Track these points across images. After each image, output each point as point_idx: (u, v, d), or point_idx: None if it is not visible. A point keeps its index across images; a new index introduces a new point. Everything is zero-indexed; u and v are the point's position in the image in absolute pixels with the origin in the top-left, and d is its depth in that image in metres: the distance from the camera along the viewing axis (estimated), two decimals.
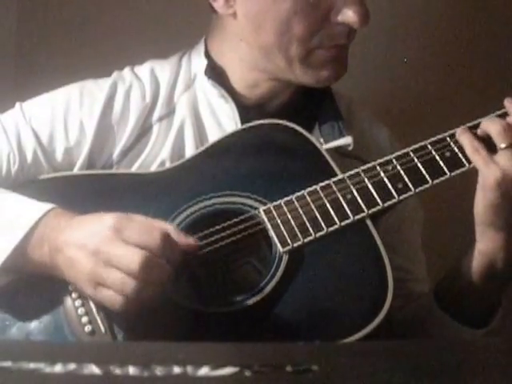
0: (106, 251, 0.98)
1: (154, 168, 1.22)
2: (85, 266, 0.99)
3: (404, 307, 1.22)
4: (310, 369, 0.65)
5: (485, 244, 1.09)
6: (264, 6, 1.16)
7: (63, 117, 1.22)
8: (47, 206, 1.07)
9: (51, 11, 1.79)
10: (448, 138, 1.12)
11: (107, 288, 0.98)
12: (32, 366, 0.65)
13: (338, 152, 1.23)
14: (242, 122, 1.23)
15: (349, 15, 1.15)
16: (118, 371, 0.65)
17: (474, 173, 1.08)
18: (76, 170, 1.22)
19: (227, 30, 1.24)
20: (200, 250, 1.08)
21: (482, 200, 1.06)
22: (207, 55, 1.28)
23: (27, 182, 1.19)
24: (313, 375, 0.64)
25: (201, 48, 1.30)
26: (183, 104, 1.26)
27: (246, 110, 1.25)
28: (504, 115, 1.11)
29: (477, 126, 1.11)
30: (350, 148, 1.23)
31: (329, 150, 1.20)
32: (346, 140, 1.23)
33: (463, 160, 1.10)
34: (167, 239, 1.00)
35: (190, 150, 1.23)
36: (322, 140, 1.25)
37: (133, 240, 0.98)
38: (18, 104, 1.24)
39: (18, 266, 1.05)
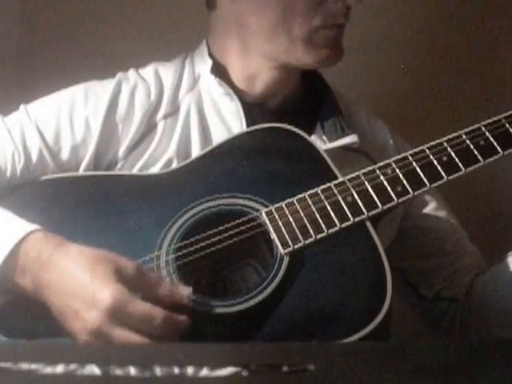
0: (105, 333, 0.95)
1: (159, 166, 1.23)
2: (82, 336, 0.96)
3: (478, 275, 1.27)
4: (307, 369, 0.65)
5: None
6: None
7: (69, 115, 1.23)
8: (25, 228, 1.04)
9: (53, 13, 1.80)
10: (445, 143, 1.14)
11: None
12: (33, 366, 0.65)
13: (341, 147, 1.25)
14: (246, 119, 1.25)
15: None
16: (118, 372, 0.65)
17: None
18: (82, 169, 1.23)
19: (227, 20, 1.26)
20: (201, 251, 1.09)
21: None
22: (210, 55, 1.30)
23: (30, 183, 1.20)
24: (309, 375, 0.64)
25: (203, 49, 1.32)
26: (188, 102, 1.27)
27: (250, 107, 1.27)
28: (499, 121, 1.13)
29: (474, 131, 1.13)
30: (357, 146, 1.25)
31: (330, 151, 1.21)
32: (352, 138, 1.25)
33: (460, 164, 1.12)
34: (170, 322, 0.96)
35: (196, 148, 1.24)
36: (324, 138, 1.27)
37: (134, 327, 0.95)
38: (22, 105, 1.25)
39: (6, 287, 1.03)
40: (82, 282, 0.97)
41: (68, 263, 1.00)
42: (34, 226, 1.05)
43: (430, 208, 1.35)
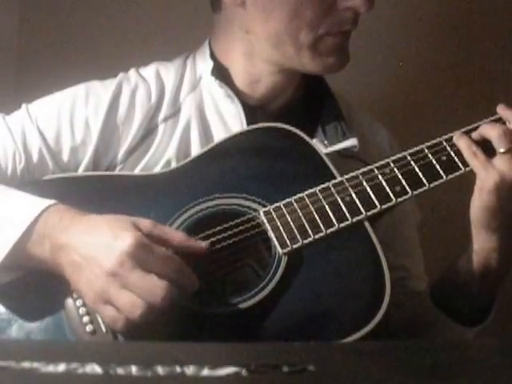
0: (124, 276, 0.97)
1: (159, 167, 1.23)
2: (95, 282, 0.99)
3: (403, 305, 1.23)
4: (306, 369, 0.65)
5: (480, 244, 1.10)
6: None
7: (69, 116, 1.23)
8: (47, 201, 1.07)
9: (53, 13, 1.80)
10: (444, 142, 1.13)
11: (114, 308, 0.98)
12: (34, 365, 0.65)
13: (340, 154, 1.24)
14: (247, 122, 1.25)
15: (354, 1, 1.17)
16: (119, 370, 0.65)
17: (469, 176, 1.09)
18: (81, 169, 1.23)
19: (232, 24, 1.25)
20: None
21: (479, 202, 1.07)
22: (212, 57, 1.29)
23: (30, 183, 1.20)
24: (309, 375, 0.65)
25: (205, 50, 1.31)
26: (189, 104, 1.27)
27: (251, 109, 1.27)
28: (499, 120, 1.13)
29: (473, 130, 1.13)
30: (356, 149, 1.24)
31: (329, 153, 1.21)
32: (352, 142, 1.24)
33: (459, 164, 1.11)
34: (184, 268, 1.01)
35: (195, 150, 1.24)
36: (326, 142, 1.26)
37: (154, 270, 0.98)
38: (23, 105, 1.25)
39: (18, 262, 1.05)
40: (102, 234, 1.01)
41: (88, 223, 1.04)
42: (52, 201, 1.07)
43: (397, 222, 1.31)
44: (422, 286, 1.30)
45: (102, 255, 0.99)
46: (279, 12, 1.19)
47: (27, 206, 1.08)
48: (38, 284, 1.07)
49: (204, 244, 1.07)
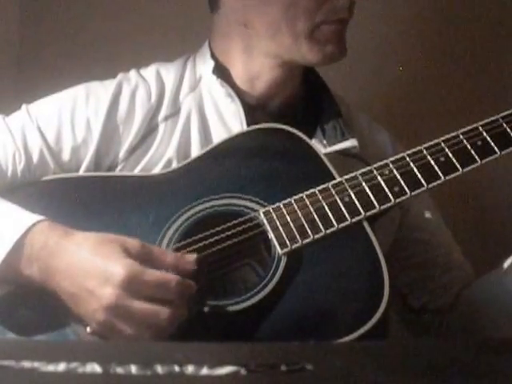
0: (123, 307, 0.97)
1: (160, 167, 1.24)
2: (96, 316, 0.98)
3: (463, 290, 1.28)
4: (305, 368, 0.65)
5: None
6: None
7: (70, 116, 1.24)
8: (32, 219, 1.06)
9: (54, 13, 1.80)
10: (442, 143, 1.14)
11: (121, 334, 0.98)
12: (35, 364, 0.65)
13: (339, 152, 1.25)
14: (247, 121, 1.25)
15: None
16: (119, 370, 0.65)
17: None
18: (82, 170, 1.23)
19: (230, 20, 1.26)
20: (200, 251, 1.09)
21: None
22: (213, 57, 1.30)
23: (31, 183, 1.20)
24: (307, 374, 0.65)
25: (205, 51, 1.32)
26: (189, 104, 1.28)
27: (250, 109, 1.27)
28: (497, 121, 1.13)
29: (472, 130, 1.13)
30: (356, 150, 1.25)
31: (328, 153, 1.21)
32: (352, 142, 1.25)
33: (457, 164, 1.12)
34: (183, 285, 1.00)
35: (195, 149, 1.24)
36: (325, 142, 1.26)
37: (151, 295, 0.98)
38: (23, 106, 1.25)
39: (9, 278, 1.05)
40: (92, 263, 1.00)
41: (76, 248, 1.02)
42: (39, 217, 1.06)
43: (423, 219, 1.35)
44: (468, 271, 1.34)
45: (97, 289, 0.98)
46: (276, 1, 1.21)
47: (12, 223, 1.06)
48: (32, 297, 1.06)
49: (192, 258, 1.05)
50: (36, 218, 1.06)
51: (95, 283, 0.98)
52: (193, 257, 1.05)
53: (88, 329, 1.02)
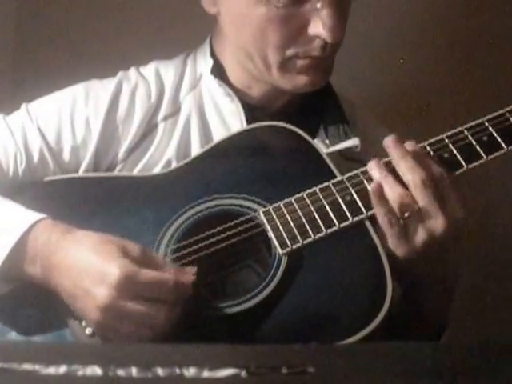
0: (118, 307, 0.97)
1: (159, 167, 1.23)
2: (92, 315, 0.99)
3: None
4: (306, 370, 0.65)
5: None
6: (242, 8, 1.18)
7: (70, 116, 1.23)
8: (35, 217, 1.06)
9: (51, 12, 1.80)
10: (446, 139, 1.12)
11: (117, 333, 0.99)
12: (35, 367, 0.65)
13: (342, 155, 1.24)
14: (247, 121, 1.24)
15: (319, 30, 1.15)
16: (119, 372, 0.65)
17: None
18: (82, 169, 1.23)
19: (226, 21, 1.24)
20: (199, 252, 1.09)
21: None
22: (213, 55, 1.29)
23: (31, 184, 1.20)
24: (309, 377, 0.65)
25: (206, 48, 1.31)
26: (189, 103, 1.27)
27: (251, 108, 1.27)
28: (499, 117, 1.12)
29: (473, 128, 1.12)
30: (358, 149, 1.23)
31: (330, 153, 1.20)
32: (354, 141, 1.24)
33: (461, 161, 1.10)
34: (179, 284, 1.00)
35: (195, 149, 1.24)
36: (327, 142, 1.26)
37: (146, 295, 0.98)
38: (23, 105, 1.25)
39: (13, 276, 1.05)
40: (89, 262, 1.00)
41: (75, 246, 1.02)
42: (41, 215, 1.07)
43: None
44: None
45: (92, 288, 0.98)
46: (247, 28, 1.18)
47: (16, 220, 1.07)
48: (37, 288, 1.06)
49: (191, 272, 1.04)
50: (39, 215, 1.07)
51: (91, 282, 0.99)
52: (193, 269, 1.04)
53: (87, 330, 1.03)
